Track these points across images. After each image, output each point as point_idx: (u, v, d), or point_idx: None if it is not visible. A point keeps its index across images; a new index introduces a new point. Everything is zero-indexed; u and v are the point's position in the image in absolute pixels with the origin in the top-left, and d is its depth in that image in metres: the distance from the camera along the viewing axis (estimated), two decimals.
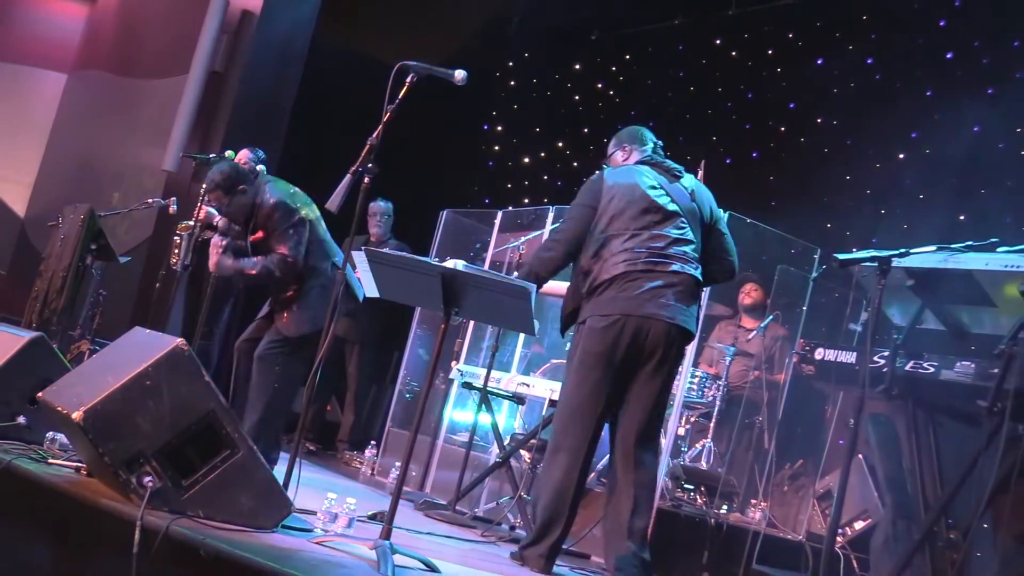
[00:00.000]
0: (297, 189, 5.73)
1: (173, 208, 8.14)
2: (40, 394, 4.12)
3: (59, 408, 3.76)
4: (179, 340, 3.80)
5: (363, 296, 5.67)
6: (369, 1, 10.86)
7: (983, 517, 4.26)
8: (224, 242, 5.63)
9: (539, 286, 4.67)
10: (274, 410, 5.50)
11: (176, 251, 7.31)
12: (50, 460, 4.25)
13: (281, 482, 4.06)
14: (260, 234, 5.60)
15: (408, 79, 4.34)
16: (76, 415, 3.59)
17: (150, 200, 8.61)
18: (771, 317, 7.29)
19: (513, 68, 11.80)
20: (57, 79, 13.71)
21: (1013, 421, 3.96)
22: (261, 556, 3.32)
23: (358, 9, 10.87)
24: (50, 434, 4.50)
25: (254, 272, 5.51)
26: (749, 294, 7.81)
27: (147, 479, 3.60)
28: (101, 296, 8.79)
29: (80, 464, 4.19)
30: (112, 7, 13.26)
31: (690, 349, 6.45)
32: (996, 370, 4.04)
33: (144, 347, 3.90)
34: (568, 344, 6.82)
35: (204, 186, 5.92)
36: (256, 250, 5.62)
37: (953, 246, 4.36)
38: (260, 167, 7.58)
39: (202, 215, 6.99)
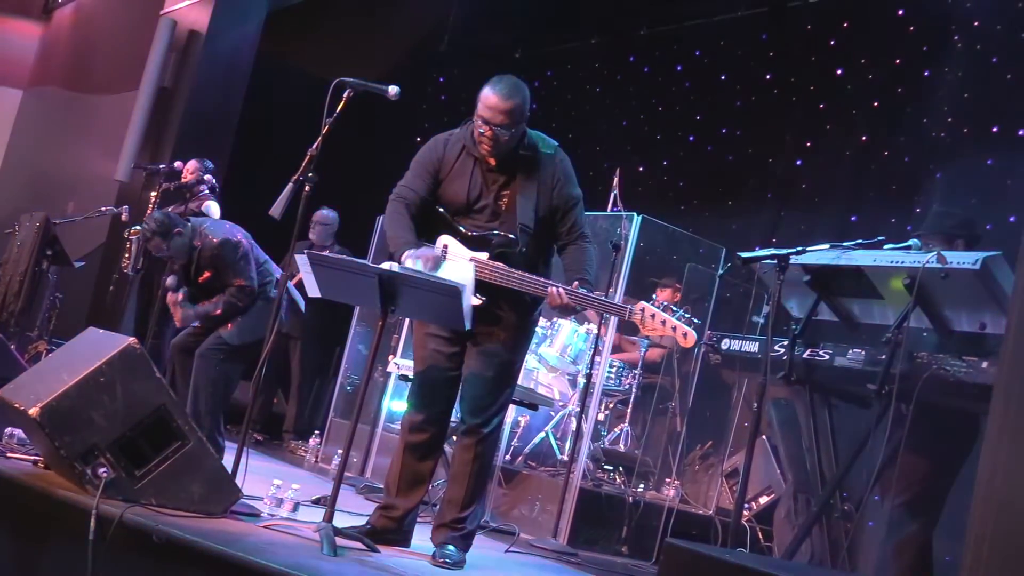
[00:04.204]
0: (229, 222, 5.71)
1: (125, 215, 8.02)
2: None
3: (17, 405, 3.68)
4: (131, 339, 3.75)
5: (304, 307, 5.65)
6: (309, 21, 10.77)
7: (873, 489, 4.33)
8: (181, 295, 5.55)
9: None
10: (211, 405, 5.42)
11: (127, 255, 7.18)
12: (8, 454, 4.17)
13: (230, 471, 4.01)
14: (208, 274, 5.54)
15: (345, 94, 4.31)
16: (33, 411, 3.52)
17: (103, 208, 8.48)
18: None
19: (443, 84, 11.78)
20: (13, 95, 13.45)
21: (899, 402, 4.03)
22: (211, 540, 3.29)
23: (299, 29, 10.78)
24: (8, 429, 4.40)
25: (219, 312, 5.48)
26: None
27: (102, 470, 3.55)
28: (57, 299, 8.63)
29: (37, 457, 4.12)
30: (65, 26, 13.04)
31: (608, 341, 6.50)
32: (883, 356, 4.11)
33: (98, 346, 3.83)
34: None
35: (141, 234, 5.87)
36: (209, 287, 5.55)
37: (844, 244, 4.41)
38: (208, 176, 7.50)
39: None
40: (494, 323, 4.17)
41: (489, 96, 4.08)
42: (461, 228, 4.19)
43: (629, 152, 9.66)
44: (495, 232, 4.15)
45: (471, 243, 4.16)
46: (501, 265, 4.07)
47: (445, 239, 4.20)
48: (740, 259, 4.52)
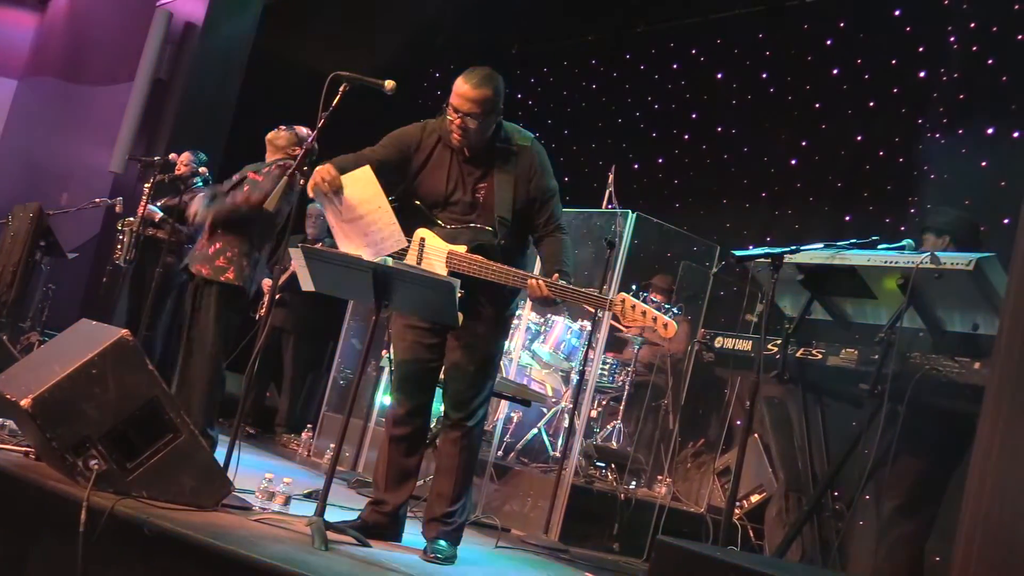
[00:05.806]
0: None
1: (119, 207, 8.00)
2: None
3: (8, 396, 3.67)
4: (123, 331, 3.73)
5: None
6: (306, 15, 10.76)
7: (865, 489, 4.33)
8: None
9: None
10: (205, 397, 5.32)
11: (120, 247, 7.16)
12: None
13: (222, 464, 4.00)
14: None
15: (341, 88, 4.29)
16: (25, 402, 3.50)
17: (97, 199, 8.46)
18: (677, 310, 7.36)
19: (440, 79, 11.77)
20: (8, 85, 13.41)
21: (891, 402, 4.03)
22: (202, 533, 3.28)
23: (296, 22, 10.77)
24: (0, 420, 4.39)
25: (249, 193, 5.31)
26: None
27: (93, 462, 3.54)
28: (50, 290, 8.63)
29: (28, 448, 4.10)
30: (61, 16, 13.00)
31: (601, 338, 6.50)
32: (876, 356, 4.11)
33: (90, 338, 3.82)
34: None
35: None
36: None
37: (839, 244, 4.42)
38: (202, 169, 7.48)
39: (144, 213, 6.86)
40: (473, 317, 4.15)
41: (460, 85, 4.14)
42: (438, 222, 4.19)
43: (624, 149, 9.67)
44: (472, 225, 4.16)
45: (448, 236, 4.16)
46: (479, 258, 4.07)
47: (422, 233, 4.20)
48: (734, 257, 4.52)
